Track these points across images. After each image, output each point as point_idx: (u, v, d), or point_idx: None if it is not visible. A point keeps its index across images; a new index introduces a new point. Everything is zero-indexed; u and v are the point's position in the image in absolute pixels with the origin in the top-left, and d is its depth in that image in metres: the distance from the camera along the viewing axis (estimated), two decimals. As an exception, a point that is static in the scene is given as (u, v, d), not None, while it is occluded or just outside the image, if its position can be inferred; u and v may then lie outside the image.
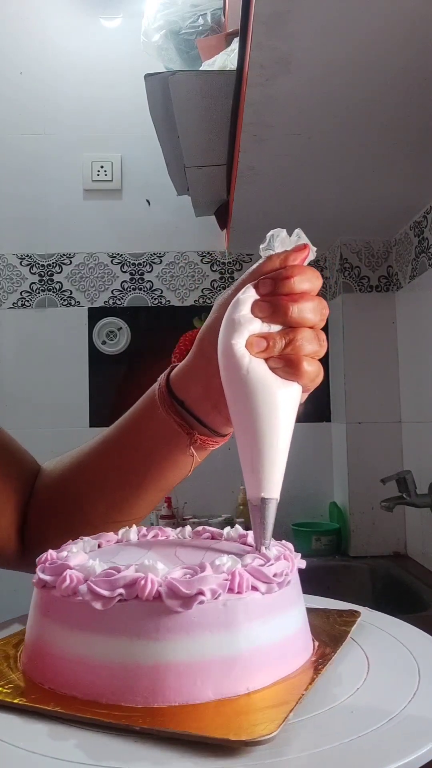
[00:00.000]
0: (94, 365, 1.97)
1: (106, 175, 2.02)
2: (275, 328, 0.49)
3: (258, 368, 0.48)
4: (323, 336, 0.51)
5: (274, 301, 0.48)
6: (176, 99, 1.27)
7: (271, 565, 0.45)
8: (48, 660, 0.44)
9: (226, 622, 0.41)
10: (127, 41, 1.99)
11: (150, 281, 2.00)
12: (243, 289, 0.49)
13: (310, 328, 0.49)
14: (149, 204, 2.02)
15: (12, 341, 1.97)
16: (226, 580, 0.42)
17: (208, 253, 2.00)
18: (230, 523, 1.78)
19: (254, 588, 0.43)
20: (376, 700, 0.43)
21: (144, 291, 2.00)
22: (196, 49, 1.58)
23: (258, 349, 0.48)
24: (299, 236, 0.52)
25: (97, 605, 0.41)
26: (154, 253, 2.01)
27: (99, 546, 0.53)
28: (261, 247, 0.52)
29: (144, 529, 0.56)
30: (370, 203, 1.58)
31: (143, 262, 2.00)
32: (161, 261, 2.00)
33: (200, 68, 1.42)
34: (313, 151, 1.26)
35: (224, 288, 1.95)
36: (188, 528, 0.56)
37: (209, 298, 1.96)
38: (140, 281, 2.00)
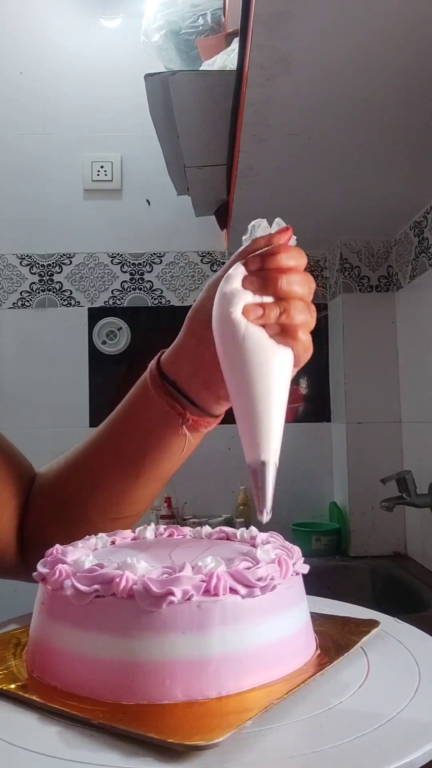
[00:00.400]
0: (94, 365, 1.97)
1: (106, 175, 2.02)
2: (267, 300, 0.51)
3: (254, 333, 0.50)
4: (314, 308, 0.53)
5: (264, 275, 0.51)
6: (176, 99, 1.27)
7: (258, 568, 0.44)
8: (38, 648, 0.46)
9: (200, 624, 0.41)
10: (127, 41, 1.99)
11: (150, 281, 2.00)
12: (233, 267, 0.51)
13: (300, 300, 0.51)
14: (149, 204, 2.02)
15: (12, 341, 1.97)
16: (203, 581, 0.42)
17: (208, 253, 2.00)
18: (230, 522, 1.79)
19: (233, 591, 0.42)
20: (375, 700, 0.43)
21: (144, 291, 2.00)
22: (196, 49, 1.58)
23: (255, 316, 0.49)
24: (279, 225, 0.54)
25: (76, 600, 0.43)
26: (154, 253, 2.01)
27: (112, 543, 0.54)
28: (244, 238, 0.54)
29: (162, 528, 0.57)
30: (370, 203, 1.58)
31: (143, 262, 2.00)
32: (161, 261, 2.00)
33: (200, 68, 1.42)
34: (313, 151, 1.26)
35: (224, 288, 1.95)
36: (206, 528, 0.56)
37: (209, 298, 1.95)
38: (140, 281, 2.00)
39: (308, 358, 0.53)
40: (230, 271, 0.51)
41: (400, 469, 1.55)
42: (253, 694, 0.42)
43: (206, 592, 0.42)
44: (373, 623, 0.52)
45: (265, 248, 0.52)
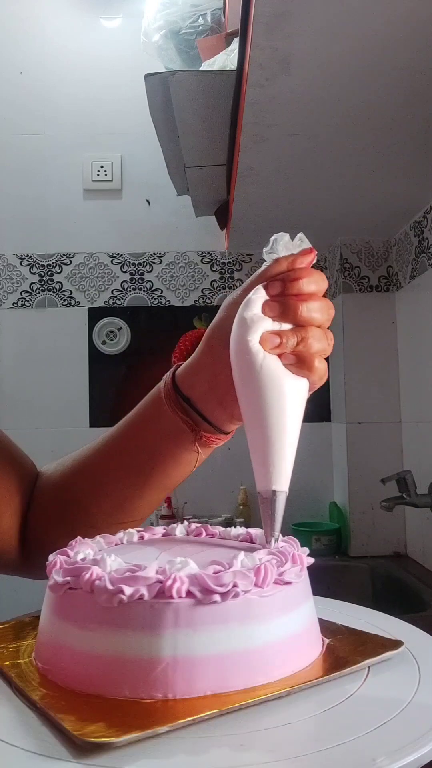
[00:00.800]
0: (94, 365, 1.97)
1: (106, 175, 2.02)
2: (285, 327, 0.51)
3: (271, 364, 0.50)
4: (331, 335, 0.54)
5: (284, 301, 0.50)
6: (176, 99, 1.27)
7: (225, 573, 0.43)
8: (40, 639, 0.49)
9: (151, 625, 0.42)
10: (127, 41, 1.99)
11: (150, 281, 2.00)
12: (253, 290, 0.51)
13: (318, 327, 0.52)
14: (149, 204, 2.02)
15: (12, 341, 1.97)
16: (159, 582, 0.42)
17: (208, 253, 2.00)
18: (230, 523, 1.78)
19: (190, 594, 0.42)
20: (375, 699, 0.42)
21: (144, 291, 2.00)
22: (196, 49, 1.58)
23: (271, 346, 0.50)
24: (302, 240, 0.53)
25: (53, 590, 0.46)
26: (154, 253, 2.01)
27: (141, 538, 0.56)
28: (264, 250, 0.53)
29: (193, 526, 0.59)
30: (370, 203, 1.58)
31: (143, 262, 2.00)
32: (161, 261, 2.00)
33: (200, 68, 1.42)
34: (313, 151, 1.26)
35: (224, 288, 1.95)
36: (238, 529, 0.57)
37: (209, 298, 1.96)
38: (140, 281, 2.00)
39: (323, 383, 0.54)
40: (250, 294, 0.51)
41: (400, 469, 1.55)
42: (204, 700, 0.41)
43: (160, 593, 0.42)
44: (397, 644, 0.49)
45: (287, 272, 0.51)
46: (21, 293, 1.98)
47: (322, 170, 1.37)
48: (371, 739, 0.38)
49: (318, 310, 0.52)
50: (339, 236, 1.84)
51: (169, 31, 1.65)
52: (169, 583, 0.42)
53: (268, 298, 0.51)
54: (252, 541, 0.55)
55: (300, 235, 0.53)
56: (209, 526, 0.58)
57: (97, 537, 0.54)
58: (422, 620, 0.57)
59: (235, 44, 1.18)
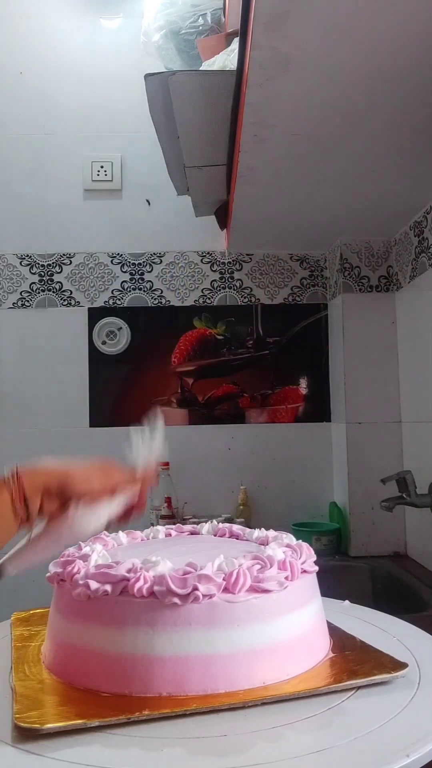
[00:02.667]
0: (94, 365, 1.97)
1: (106, 175, 2.02)
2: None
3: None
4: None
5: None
6: (176, 99, 1.27)
7: (191, 576, 0.43)
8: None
9: (115, 621, 0.44)
10: (127, 41, 1.98)
11: (150, 281, 2.00)
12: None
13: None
14: (149, 204, 2.02)
15: (12, 341, 1.97)
16: (125, 579, 0.42)
17: (208, 253, 2.00)
18: (230, 523, 1.78)
19: (152, 594, 0.43)
20: (374, 700, 0.42)
21: (144, 291, 2.00)
22: (196, 49, 1.58)
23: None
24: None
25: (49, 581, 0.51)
26: (154, 253, 2.01)
27: (168, 535, 0.60)
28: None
29: (220, 527, 0.62)
30: (370, 203, 1.58)
31: (143, 262, 2.00)
32: (161, 261, 2.00)
33: (200, 68, 1.42)
34: (313, 151, 1.26)
35: (224, 288, 1.95)
36: (261, 531, 0.57)
37: (209, 298, 1.95)
38: (140, 281, 2.00)
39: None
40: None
41: (400, 469, 1.55)
42: (171, 698, 0.42)
43: (124, 591, 0.42)
44: (399, 666, 0.47)
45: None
46: (21, 293, 1.98)
47: (322, 170, 1.37)
48: (372, 739, 0.37)
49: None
50: (339, 236, 1.84)
51: (169, 31, 1.65)
52: (132, 581, 0.42)
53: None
54: (267, 543, 0.55)
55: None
56: (234, 527, 0.59)
57: (120, 532, 0.57)
58: (422, 620, 0.57)
59: (235, 44, 1.18)
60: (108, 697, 0.42)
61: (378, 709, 0.41)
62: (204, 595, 0.42)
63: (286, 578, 0.46)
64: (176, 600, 0.42)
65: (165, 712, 0.40)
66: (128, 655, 0.42)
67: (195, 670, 0.42)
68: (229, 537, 0.58)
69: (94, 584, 0.43)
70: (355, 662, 0.47)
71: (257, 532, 0.57)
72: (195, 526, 0.60)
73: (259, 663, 0.43)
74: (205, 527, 0.59)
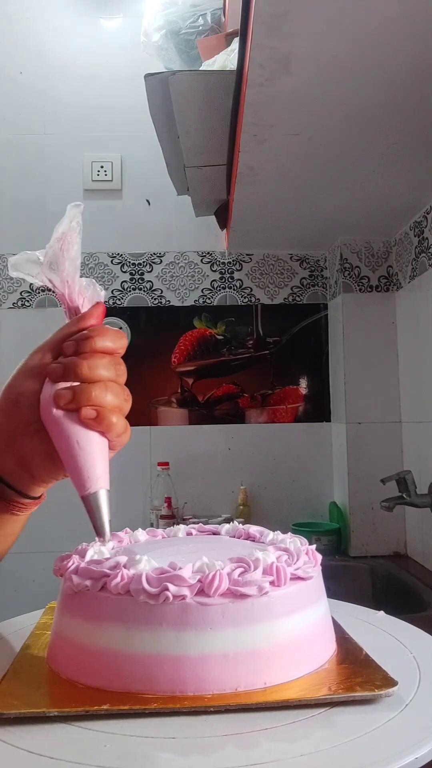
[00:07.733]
0: (94, 365, 1.96)
1: (106, 175, 2.02)
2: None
3: (72, 419, 0.51)
4: (127, 391, 0.54)
5: (65, 362, 0.52)
6: (176, 99, 1.27)
7: (162, 575, 0.44)
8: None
9: (91, 614, 0.45)
10: (127, 41, 1.99)
11: (150, 281, 2.00)
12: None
13: (113, 383, 0.52)
14: (149, 204, 2.02)
15: (12, 341, 1.97)
16: (104, 576, 0.46)
17: (208, 253, 2.00)
18: (230, 523, 1.78)
19: (127, 592, 0.44)
20: (374, 700, 0.42)
21: (144, 291, 2.00)
22: (196, 49, 1.58)
23: (64, 402, 0.50)
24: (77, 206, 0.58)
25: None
26: (154, 253, 2.01)
27: (189, 534, 0.60)
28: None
29: (241, 528, 0.61)
30: (370, 203, 1.58)
31: (143, 262, 2.00)
32: (161, 261, 2.00)
33: (200, 68, 1.42)
34: (313, 151, 1.26)
35: (224, 288, 1.95)
36: (277, 533, 0.57)
37: (209, 298, 1.95)
38: (140, 281, 2.00)
39: (126, 441, 0.53)
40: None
41: (400, 469, 1.55)
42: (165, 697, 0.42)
43: (104, 588, 0.45)
44: (388, 682, 0.44)
45: (80, 333, 0.55)
46: (21, 293, 1.98)
47: (322, 170, 1.37)
48: (372, 739, 0.37)
49: (104, 367, 0.52)
50: (339, 236, 1.84)
51: (169, 31, 1.65)
52: (110, 578, 0.43)
53: (51, 363, 0.53)
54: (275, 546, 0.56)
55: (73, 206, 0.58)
56: (252, 528, 0.59)
57: (139, 529, 0.58)
58: (422, 620, 0.57)
59: (235, 44, 1.18)
60: (82, 689, 0.43)
61: (353, 726, 0.40)
62: (175, 596, 0.42)
63: (271, 583, 0.45)
64: (148, 599, 0.43)
65: (124, 709, 0.40)
66: (103, 650, 0.43)
67: (164, 670, 0.42)
68: (245, 539, 0.58)
69: (76, 579, 0.45)
70: (344, 676, 0.45)
71: (272, 535, 0.57)
72: (217, 526, 0.60)
73: (233, 669, 0.43)
74: (225, 528, 0.60)
